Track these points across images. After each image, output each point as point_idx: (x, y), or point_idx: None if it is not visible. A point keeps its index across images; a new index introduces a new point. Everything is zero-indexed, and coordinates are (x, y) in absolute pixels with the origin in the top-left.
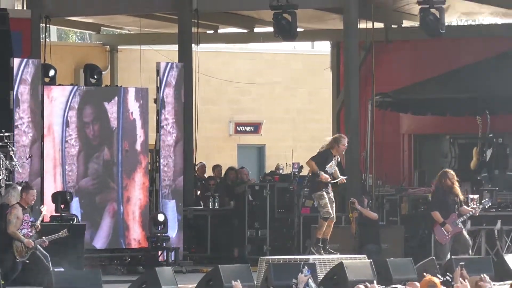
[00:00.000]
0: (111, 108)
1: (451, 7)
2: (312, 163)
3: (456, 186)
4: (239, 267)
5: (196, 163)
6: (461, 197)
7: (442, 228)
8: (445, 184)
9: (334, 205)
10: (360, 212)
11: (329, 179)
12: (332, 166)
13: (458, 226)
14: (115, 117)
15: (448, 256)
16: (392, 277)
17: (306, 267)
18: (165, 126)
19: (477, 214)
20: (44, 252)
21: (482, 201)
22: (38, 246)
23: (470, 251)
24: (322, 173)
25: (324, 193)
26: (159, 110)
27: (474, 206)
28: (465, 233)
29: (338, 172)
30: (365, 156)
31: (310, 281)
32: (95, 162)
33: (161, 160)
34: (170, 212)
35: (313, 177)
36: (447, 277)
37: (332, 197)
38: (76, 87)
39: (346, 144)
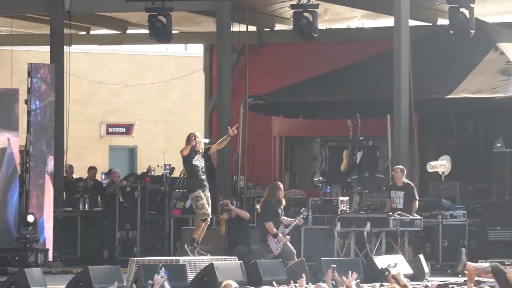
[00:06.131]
0: None
1: (322, 11)
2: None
3: (282, 197)
4: (109, 268)
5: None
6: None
7: (275, 239)
8: (278, 196)
9: (210, 206)
10: (230, 214)
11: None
12: (199, 159)
13: (286, 237)
14: None
15: None
16: (262, 279)
17: (163, 268)
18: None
19: (301, 224)
20: None
21: (301, 210)
22: None
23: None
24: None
25: (202, 193)
26: (30, 111)
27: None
28: (289, 243)
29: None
30: (236, 158)
31: (166, 283)
32: None
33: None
34: None
35: (188, 178)
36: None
37: (209, 198)
38: None
39: (194, 138)
